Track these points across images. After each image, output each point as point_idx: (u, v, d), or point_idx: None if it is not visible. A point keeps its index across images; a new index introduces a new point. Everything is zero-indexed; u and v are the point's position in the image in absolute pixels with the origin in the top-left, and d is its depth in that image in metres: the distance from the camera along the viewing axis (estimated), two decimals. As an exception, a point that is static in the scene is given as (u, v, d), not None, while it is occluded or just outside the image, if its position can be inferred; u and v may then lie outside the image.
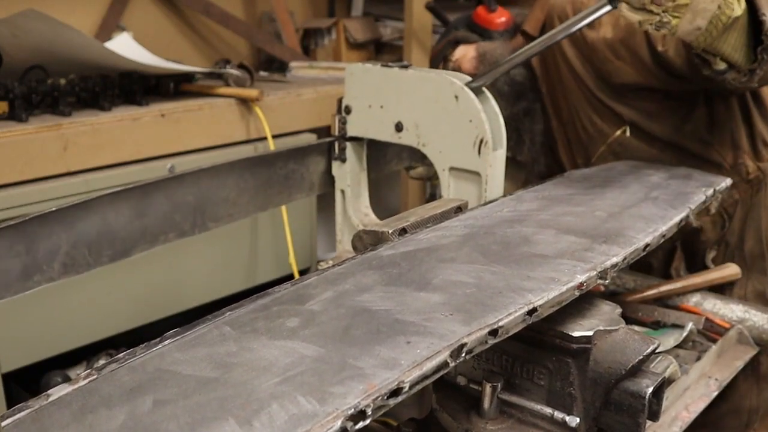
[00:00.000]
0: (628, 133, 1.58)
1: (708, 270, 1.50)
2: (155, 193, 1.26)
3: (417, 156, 1.67)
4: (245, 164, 1.39)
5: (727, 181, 1.33)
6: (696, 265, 1.58)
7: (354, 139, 1.49)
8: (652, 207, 1.14)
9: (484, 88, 1.33)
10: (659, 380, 0.86)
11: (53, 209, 1.12)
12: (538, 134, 1.74)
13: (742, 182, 1.52)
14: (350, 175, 1.52)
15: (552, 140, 1.76)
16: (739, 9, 1.17)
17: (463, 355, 0.70)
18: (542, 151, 1.76)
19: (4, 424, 0.61)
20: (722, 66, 1.28)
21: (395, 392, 0.63)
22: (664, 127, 1.55)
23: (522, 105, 1.72)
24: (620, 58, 1.51)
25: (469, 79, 1.33)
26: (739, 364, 1.31)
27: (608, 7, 1.19)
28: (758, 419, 1.54)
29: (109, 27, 2.44)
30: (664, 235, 1.06)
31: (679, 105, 1.54)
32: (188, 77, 2.20)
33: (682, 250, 1.59)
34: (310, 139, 2.32)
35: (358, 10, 3.10)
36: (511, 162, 1.82)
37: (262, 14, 2.89)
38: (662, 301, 1.45)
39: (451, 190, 1.36)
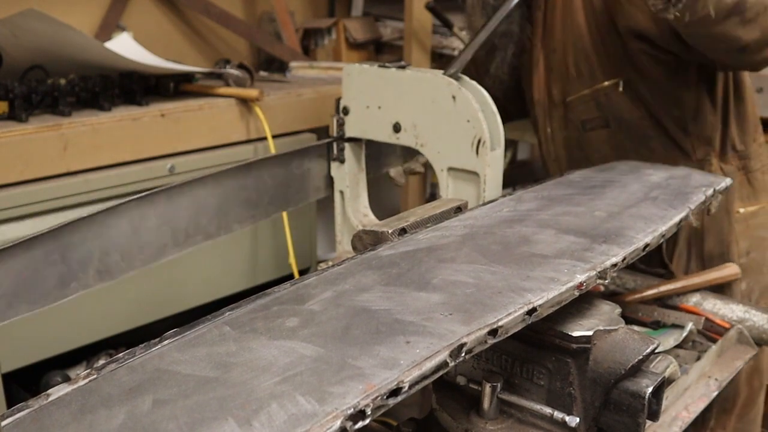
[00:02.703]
0: (621, 88, 1.57)
1: (707, 270, 1.51)
2: (179, 196, 1.28)
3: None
4: (262, 165, 1.41)
5: (727, 181, 1.33)
6: (652, 259, 1.59)
7: (352, 140, 1.49)
8: (651, 207, 1.14)
9: (478, 86, 1.33)
10: (659, 380, 0.86)
11: (84, 216, 1.14)
12: (510, 56, 1.72)
13: None
14: (349, 176, 1.52)
15: (526, 62, 1.73)
16: None
17: (463, 354, 0.70)
18: (509, 72, 1.74)
19: (4, 423, 0.61)
20: None
21: (395, 392, 0.63)
22: (656, 98, 1.55)
23: (502, 27, 1.69)
24: (632, 2, 1.49)
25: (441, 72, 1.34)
26: (739, 364, 1.31)
27: None
28: (713, 416, 1.56)
29: (109, 27, 2.44)
30: (663, 235, 1.06)
31: (674, 86, 1.53)
32: (188, 77, 2.20)
33: None
34: (311, 139, 2.32)
35: (358, 10, 3.10)
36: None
37: (262, 14, 2.89)
38: (662, 301, 1.45)
39: (449, 190, 1.36)
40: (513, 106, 1.85)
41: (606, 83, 1.58)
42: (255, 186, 1.39)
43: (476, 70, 1.75)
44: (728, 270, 1.48)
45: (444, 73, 1.32)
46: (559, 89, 1.66)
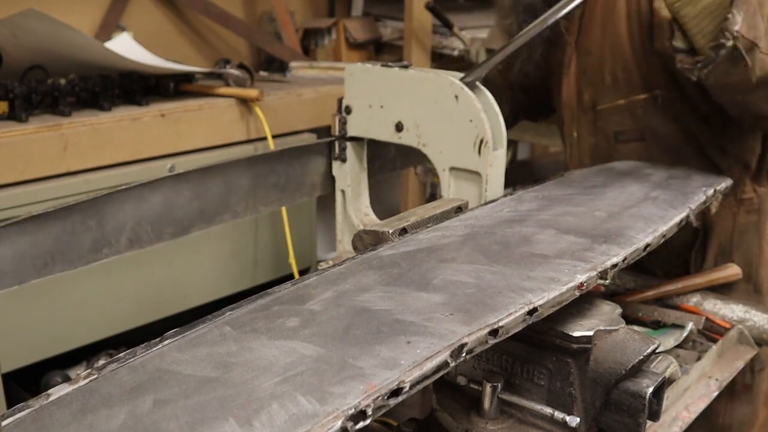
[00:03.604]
0: (659, 102, 1.49)
1: (709, 270, 1.50)
2: (212, 176, 1.34)
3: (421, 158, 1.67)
4: (294, 153, 1.47)
5: (728, 182, 1.33)
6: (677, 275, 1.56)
7: (354, 139, 1.49)
8: (652, 207, 1.14)
9: (481, 86, 1.33)
10: (659, 380, 0.86)
11: (122, 188, 1.20)
12: (538, 55, 1.66)
13: (733, 198, 1.49)
14: (350, 175, 1.52)
15: (557, 60, 1.64)
16: None
17: (464, 355, 0.70)
18: (534, 69, 1.68)
19: (4, 423, 0.61)
20: (680, 44, 1.24)
21: (395, 392, 0.63)
22: (694, 116, 1.49)
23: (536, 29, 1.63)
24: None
25: (461, 75, 1.33)
26: (740, 365, 1.31)
27: None
28: None
29: (109, 27, 2.44)
30: (664, 235, 1.06)
31: (714, 107, 1.45)
32: (188, 77, 2.20)
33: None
34: (311, 139, 2.32)
35: (358, 10, 3.10)
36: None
37: (262, 14, 2.89)
38: (662, 301, 1.45)
39: (451, 190, 1.36)
40: (535, 106, 1.79)
41: (643, 96, 1.51)
42: (285, 171, 1.44)
43: (502, 65, 1.66)
44: (730, 270, 1.47)
45: (461, 79, 1.30)
46: (591, 94, 1.58)
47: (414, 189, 2.97)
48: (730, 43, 1.17)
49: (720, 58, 1.20)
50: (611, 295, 1.48)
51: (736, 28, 1.16)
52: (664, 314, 1.41)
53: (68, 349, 1.91)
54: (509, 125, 1.78)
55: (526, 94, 1.77)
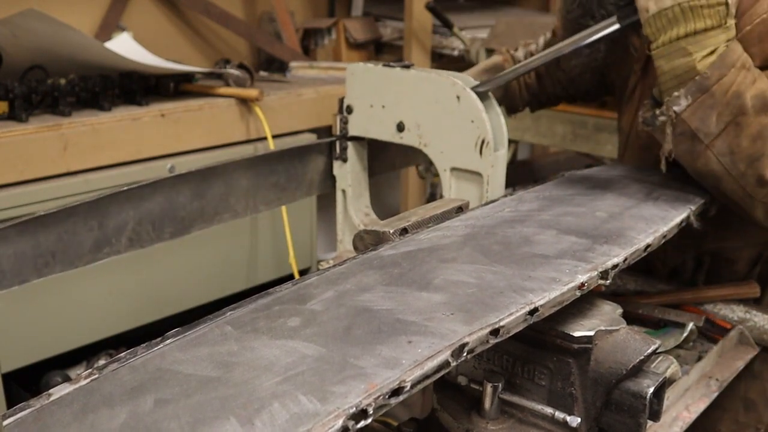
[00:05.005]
0: None
1: (725, 284, 1.45)
2: (213, 177, 1.35)
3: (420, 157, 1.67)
4: (295, 153, 1.47)
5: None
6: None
7: (355, 139, 1.49)
8: (652, 207, 1.14)
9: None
10: (660, 380, 0.86)
11: (124, 188, 1.21)
12: (588, 75, 1.58)
13: None
14: (351, 175, 1.52)
15: (621, 74, 1.54)
16: (700, 54, 1.11)
17: (464, 354, 0.70)
18: (579, 75, 1.59)
19: (5, 423, 0.61)
20: (656, 92, 1.22)
21: (396, 392, 0.63)
22: None
23: (586, 51, 1.50)
24: None
25: (474, 82, 1.32)
26: (740, 365, 1.31)
27: (616, 26, 1.20)
28: None
29: (109, 27, 2.44)
30: (665, 236, 1.06)
31: None
32: (188, 77, 2.20)
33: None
34: (311, 139, 2.32)
35: (358, 10, 3.10)
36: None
37: (262, 14, 2.89)
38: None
39: (452, 190, 1.36)
40: (581, 95, 1.71)
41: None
42: (285, 171, 1.45)
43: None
44: (747, 288, 1.43)
45: (473, 88, 1.30)
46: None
47: (414, 189, 2.97)
48: (662, 118, 1.17)
49: (655, 127, 1.19)
50: (613, 295, 1.48)
51: (677, 109, 1.15)
52: (664, 311, 1.40)
53: (68, 349, 1.91)
54: (535, 108, 1.72)
55: (574, 83, 1.67)
